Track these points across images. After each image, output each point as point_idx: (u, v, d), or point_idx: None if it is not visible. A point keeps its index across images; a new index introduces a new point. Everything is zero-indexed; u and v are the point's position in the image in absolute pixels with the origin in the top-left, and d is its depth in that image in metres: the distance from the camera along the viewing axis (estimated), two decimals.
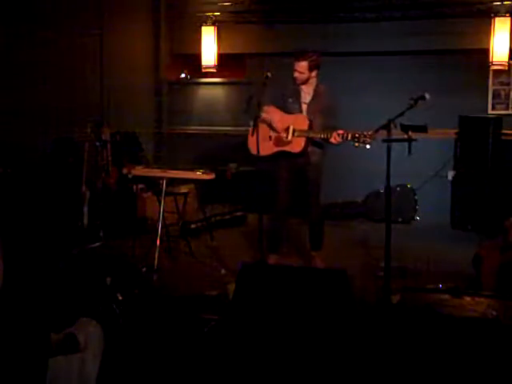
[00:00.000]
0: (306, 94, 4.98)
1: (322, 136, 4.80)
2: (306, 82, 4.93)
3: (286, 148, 4.92)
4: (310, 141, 4.91)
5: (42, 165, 6.01)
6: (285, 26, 7.53)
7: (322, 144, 4.99)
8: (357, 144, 4.56)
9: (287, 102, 4.97)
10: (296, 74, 4.90)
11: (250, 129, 4.83)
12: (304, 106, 4.98)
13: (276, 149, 4.97)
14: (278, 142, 4.94)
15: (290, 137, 4.85)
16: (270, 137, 4.99)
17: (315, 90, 4.98)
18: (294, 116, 4.93)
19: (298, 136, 4.85)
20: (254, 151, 4.86)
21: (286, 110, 4.96)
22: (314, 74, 4.92)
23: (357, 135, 4.57)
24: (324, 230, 5.28)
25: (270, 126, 4.95)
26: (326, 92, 5.00)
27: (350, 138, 4.62)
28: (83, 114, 6.40)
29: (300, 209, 5.19)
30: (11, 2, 5.74)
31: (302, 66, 4.86)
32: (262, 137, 4.87)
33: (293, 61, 4.91)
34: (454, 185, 6.96)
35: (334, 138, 4.71)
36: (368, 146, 4.55)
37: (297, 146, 4.89)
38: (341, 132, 4.68)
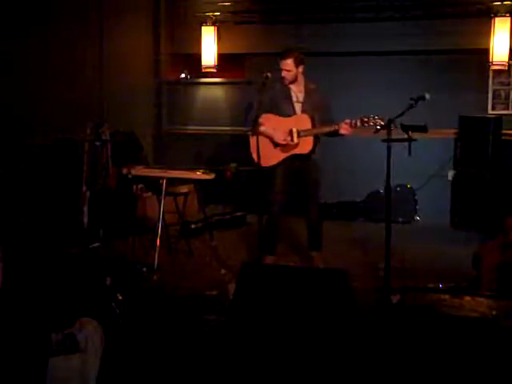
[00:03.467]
0: (298, 92, 4.90)
1: (330, 130, 4.73)
2: (294, 80, 4.85)
3: (296, 151, 4.85)
4: (317, 139, 4.86)
5: (42, 165, 6.01)
6: (285, 26, 7.52)
7: (319, 141, 4.93)
8: (366, 125, 4.54)
9: (280, 104, 4.86)
10: (284, 73, 4.82)
11: (251, 143, 4.78)
12: (298, 106, 4.90)
13: (285, 155, 4.88)
14: (286, 147, 4.86)
15: (295, 139, 4.79)
16: (275, 144, 4.90)
17: (306, 88, 4.91)
18: (295, 117, 4.87)
19: (303, 136, 4.79)
20: (263, 164, 4.74)
21: (282, 114, 4.87)
22: (300, 69, 4.84)
23: (365, 119, 4.53)
24: (323, 230, 5.23)
25: (271, 137, 4.87)
26: (317, 88, 4.94)
27: (359, 123, 4.57)
28: (83, 114, 6.41)
29: (297, 207, 5.14)
30: (11, 2, 5.74)
31: (288, 63, 4.79)
32: (268, 147, 4.84)
33: (279, 62, 4.83)
34: (454, 185, 6.96)
35: (344, 129, 4.65)
36: (379, 127, 4.48)
37: (306, 146, 4.82)
38: (348, 121, 4.63)
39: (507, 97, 7.06)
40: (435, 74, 6.97)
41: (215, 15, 7.74)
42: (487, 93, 7.09)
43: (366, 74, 7.27)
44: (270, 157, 4.86)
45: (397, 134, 4.25)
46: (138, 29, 7.83)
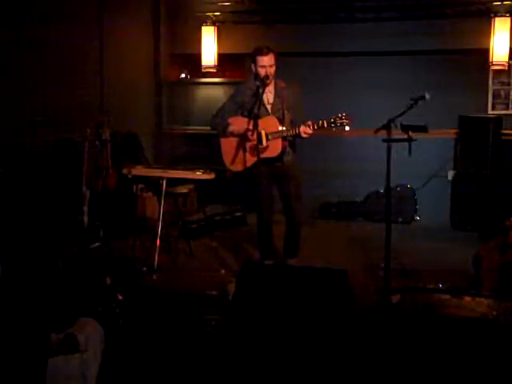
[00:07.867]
0: (268, 93, 4.70)
1: (292, 132, 4.59)
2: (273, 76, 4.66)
3: (265, 154, 4.63)
4: (286, 142, 4.69)
5: (43, 165, 6.01)
6: (285, 26, 7.52)
7: (294, 143, 4.80)
8: (334, 129, 4.49)
9: (251, 107, 4.59)
10: (268, 70, 4.59)
11: (222, 146, 4.77)
12: (269, 107, 4.72)
13: (255, 158, 4.59)
14: (255, 150, 4.55)
15: (264, 142, 4.62)
16: (245, 148, 4.73)
17: (276, 87, 4.73)
18: (263, 120, 4.59)
19: (272, 139, 4.62)
20: (236, 169, 4.74)
21: (252, 116, 4.53)
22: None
23: (332, 120, 4.48)
24: (301, 237, 5.00)
25: (242, 136, 4.69)
26: (288, 86, 4.76)
27: (326, 125, 4.49)
28: (83, 114, 6.40)
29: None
30: (11, 2, 5.74)
31: (271, 58, 4.60)
32: (238, 151, 4.74)
33: (258, 60, 4.63)
34: (454, 185, 6.96)
35: (304, 132, 4.53)
36: (347, 128, 4.47)
37: (274, 149, 4.65)
38: (309, 123, 4.52)
39: (507, 97, 7.07)
40: (435, 74, 6.96)
41: (215, 15, 7.74)
42: (487, 93, 7.09)
43: (366, 74, 7.27)
44: (240, 161, 4.74)
45: (397, 133, 4.25)
46: (138, 29, 7.82)
